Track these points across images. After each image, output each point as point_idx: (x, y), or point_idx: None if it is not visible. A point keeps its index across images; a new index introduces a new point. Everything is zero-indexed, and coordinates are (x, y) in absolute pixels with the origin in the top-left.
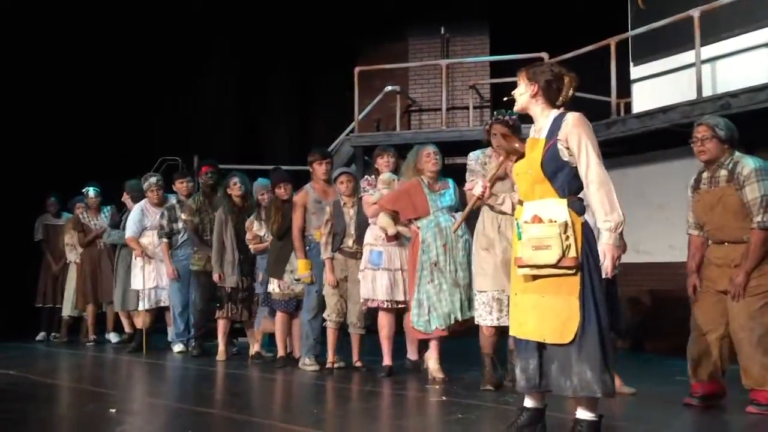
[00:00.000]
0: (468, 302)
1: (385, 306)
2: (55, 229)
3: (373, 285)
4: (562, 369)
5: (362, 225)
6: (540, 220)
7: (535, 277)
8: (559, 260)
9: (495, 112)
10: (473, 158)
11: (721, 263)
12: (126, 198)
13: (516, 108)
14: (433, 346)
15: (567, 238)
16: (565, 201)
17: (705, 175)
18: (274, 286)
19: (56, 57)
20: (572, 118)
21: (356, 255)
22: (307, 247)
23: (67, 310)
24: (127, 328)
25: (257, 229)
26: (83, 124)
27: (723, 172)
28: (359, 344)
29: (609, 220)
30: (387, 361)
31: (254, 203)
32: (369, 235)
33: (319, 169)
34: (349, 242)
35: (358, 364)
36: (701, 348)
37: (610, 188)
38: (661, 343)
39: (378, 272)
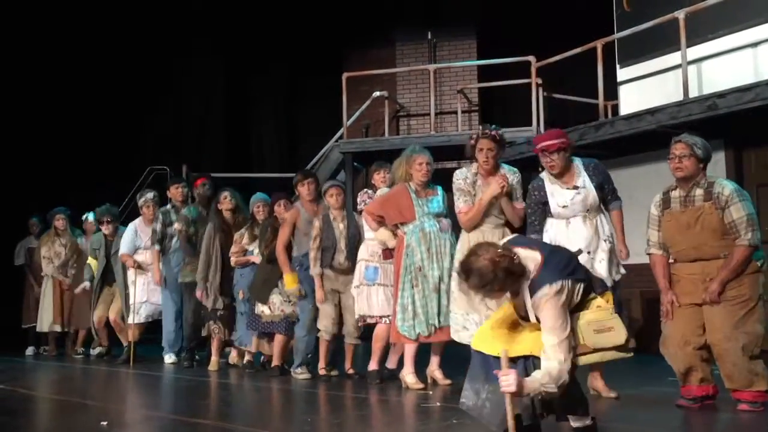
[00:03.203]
0: (447, 309)
1: (383, 321)
2: (38, 251)
3: (369, 302)
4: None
5: (353, 239)
6: (586, 308)
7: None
8: (627, 341)
9: (481, 126)
10: (460, 177)
11: (696, 278)
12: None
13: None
14: (409, 355)
15: (621, 317)
16: (592, 294)
17: (675, 194)
18: (263, 309)
19: (43, 68)
20: (536, 298)
21: (348, 272)
22: (298, 267)
23: (44, 325)
24: (103, 342)
25: (246, 243)
26: (70, 134)
27: (699, 192)
28: (353, 354)
29: (551, 383)
30: (374, 366)
31: (247, 217)
32: (364, 251)
33: (303, 190)
34: (341, 258)
35: (351, 371)
36: (685, 360)
37: (560, 368)
38: (653, 344)
39: (373, 288)
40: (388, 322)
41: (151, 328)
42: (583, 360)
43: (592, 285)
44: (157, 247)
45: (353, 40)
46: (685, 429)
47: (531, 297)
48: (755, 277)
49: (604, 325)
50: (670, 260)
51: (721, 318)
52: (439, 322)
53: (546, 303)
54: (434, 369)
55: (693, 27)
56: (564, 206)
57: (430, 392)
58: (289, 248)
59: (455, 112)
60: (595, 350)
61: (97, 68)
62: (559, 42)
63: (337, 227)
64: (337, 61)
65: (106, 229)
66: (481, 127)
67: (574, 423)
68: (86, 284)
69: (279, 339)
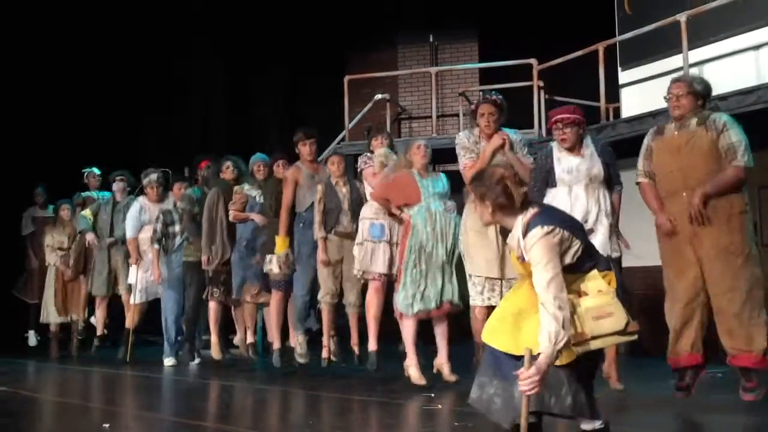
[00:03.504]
0: (452, 287)
1: (382, 279)
2: (43, 220)
3: (373, 257)
4: (550, 386)
5: (355, 203)
6: (586, 294)
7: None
8: (627, 324)
9: (482, 92)
10: (463, 137)
11: (683, 215)
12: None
13: (483, 223)
14: (410, 342)
15: (621, 303)
16: (594, 272)
17: (670, 126)
18: (272, 266)
19: (43, 66)
20: (532, 238)
21: (352, 235)
22: (300, 224)
23: (50, 317)
24: (100, 329)
25: (248, 190)
26: (71, 134)
27: (693, 119)
28: (357, 324)
29: (550, 346)
30: (373, 345)
31: (249, 179)
32: (368, 210)
33: (304, 149)
34: (345, 221)
35: (355, 348)
36: (684, 318)
37: (556, 324)
38: (655, 345)
39: (378, 245)
40: (385, 281)
41: (149, 328)
42: (583, 348)
43: (596, 258)
44: (156, 245)
45: (355, 43)
46: (687, 429)
47: (524, 238)
48: (744, 219)
49: (603, 311)
50: None
51: (720, 268)
52: (440, 301)
53: (537, 242)
54: (443, 362)
55: (695, 30)
56: (569, 171)
57: (433, 394)
58: (291, 208)
59: (457, 115)
60: (594, 338)
61: (98, 68)
62: (561, 45)
63: (339, 191)
64: (339, 63)
65: (116, 188)
66: (482, 93)
67: (585, 425)
68: (90, 235)
69: (273, 306)
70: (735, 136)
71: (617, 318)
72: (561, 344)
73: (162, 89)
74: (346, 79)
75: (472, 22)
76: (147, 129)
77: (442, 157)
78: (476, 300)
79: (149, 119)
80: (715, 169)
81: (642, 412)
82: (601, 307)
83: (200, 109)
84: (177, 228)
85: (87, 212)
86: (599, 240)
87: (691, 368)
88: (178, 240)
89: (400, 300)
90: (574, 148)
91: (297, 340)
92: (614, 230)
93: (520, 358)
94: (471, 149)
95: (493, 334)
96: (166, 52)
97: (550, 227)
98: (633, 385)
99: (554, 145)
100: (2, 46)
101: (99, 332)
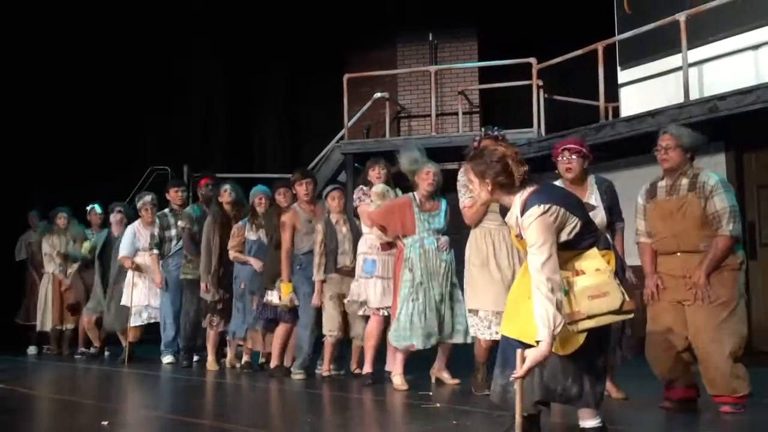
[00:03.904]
0: (451, 324)
1: (379, 313)
2: (38, 246)
3: (367, 293)
4: (554, 377)
5: (356, 241)
6: (583, 272)
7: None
8: (622, 304)
9: (483, 128)
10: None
11: (677, 274)
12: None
13: (482, 204)
14: (399, 359)
15: (619, 283)
16: (594, 250)
17: (662, 183)
18: (271, 297)
19: (44, 67)
20: (525, 217)
21: (353, 273)
22: (298, 266)
23: (46, 324)
24: (97, 342)
25: (247, 233)
26: (72, 134)
27: (684, 181)
28: (359, 354)
29: (545, 329)
30: (369, 368)
31: (248, 210)
32: (363, 245)
33: (300, 189)
34: (346, 261)
35: (357, 371)
36: (668, 365)
37: (551, 307)
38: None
39: (371, 281)
40: (385, 314)
41: (149, 329)
42: (578, 327)
43: (596, 236)
44: (156, 251)
45: (354, 42)
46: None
47: (521, 216)
48: (736, 275)
49: (599, 290)
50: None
51: (704, 319)
52: (440, 335)
53: (533, 222)
54: (441, 370)
55: (694, 29)
56: None
57: (431, 393)
58: (291, 252)
59: (456, 114)
60: (590, 317)
61: (99, 68)
62: (560, 44)
63: (340, 230)
64: (339, 62)
65: (114, 220)
66: (483, 129)
67: (584, 423)
68: (75, 266)
69: (279, 332)
70: (720, 203)
71: (613, 298)
72: (557, 327)
73: (162, 89)
74: (346, 77)
75: (472, 21)
76: (147, 129)
77: (441, 155)
78: (484, 334)
79: (149, 119)
80: (707, 233)
81: (637, 413)
82: (597, 286)
83: (200, 109)
84: (173, 232)
85: (86, 246)
86: None
87: (685, 399)
88: (174, 243)
89: (393, 332)
90: (577, 181)
91: (296, 374)
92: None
93: (526, 345)
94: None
95: (504, 322)
96: (166, 52)
97: (547, 206)
98: (628, 385)
99: (559, 184)
100: (2, 46)
101: (98, 344)
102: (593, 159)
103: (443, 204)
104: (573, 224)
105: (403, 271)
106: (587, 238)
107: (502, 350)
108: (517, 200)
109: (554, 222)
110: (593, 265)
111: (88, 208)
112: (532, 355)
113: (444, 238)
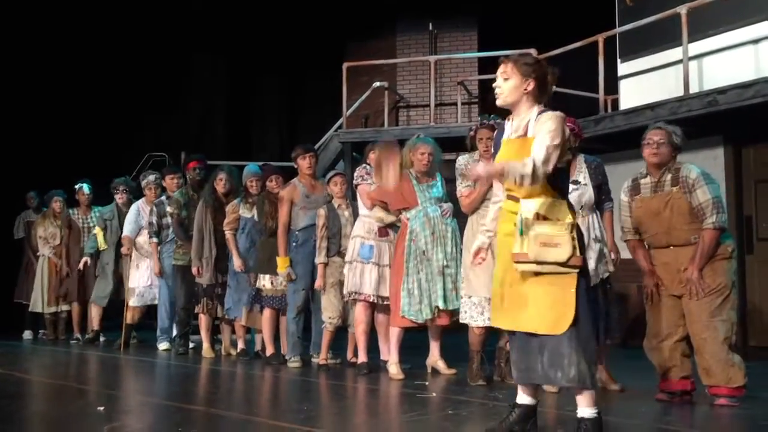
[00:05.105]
0: (455, 293)
1: (371, 300)
2: (36, 229)
3: (361, 279)
4: (552, 361)
5: None
6: (545, 218)
7: (536, 272)
8: (569, 258)
9: (479, 117)
10: (462, 163)
11: (671, 267)
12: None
13: (502, 101)
14: (394, 345)
15: (573, 238)
16: (564, 202)
17: (645, 180)
18: (265, 282)
19: (44, 55)
20: (549, 114)
21: None
22: (294, 243)
23: (37, 306)
24: (95, 325)
25: (241, 210)
26: (69, 120)
27: (668, 177)
28: (355, 342)
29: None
30: (363, 357)
31: (241, 192)
32: (360, 228)
33: (303, 163)
34: (347, 245)
35: (354, 360)
36: (665, 355)
37: (532, 165)
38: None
39: (367, 266)
40: (374, 301)
41: (147, 314)
42: (521, 268)
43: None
44: (155, 239)
45: (354, 31)
46: (679, 423)
47: (536, 118)
48: (727, 264)
49: (552, 240)
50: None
51: (698, 308)
52: (443, 304)
53: (553, 116)
54: (436, 359)
55: (694, 23)
56: None
57: (427, 382)
58: (288, 227)
59: (455, 104)
60: (537, 262)
61: (98, 68)
62: (561, 35)
63: (342, 214)
64: (338, 50)
65: (120, 199)
66: (480, 118)
67: (582, 412)
68: (86, 259)
69: (265, 317)
70: (703, 195)
71: (562, 250)
72: (522, 179)
73: (162, 89)
74: (345, 66)
75: (472, 11)
76: (147, 128)
77: (440, 145)
78: (477, 321)
79: (149, 119)
80: (697, 226)
81: (633, 404)
82: (551, 235)
83: (199, 98)
84: (170, 219)
85: (98, 232)
86: (589, 266)
87: (681, 392)
88: (170, 231)
89: (406, 308)
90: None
91: (290, 361)
92: (603, 253)
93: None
94: (467, 176)
95: (514, 321)
96: (166, 51)
97: (564, 116)
98: (623, 376)
99: None
100: (2, 47)
101: (96, 327)
102: (583, 137)
103: (438, 176)
104: (567, 157)
105: (407, 246)
106: (567, 184)
107: (519, 347)
108: (535, 109)
109: (566, 133)
110: (555, 214)
111: (77, 186)
112: (488, 168)
113: (447, 205)
